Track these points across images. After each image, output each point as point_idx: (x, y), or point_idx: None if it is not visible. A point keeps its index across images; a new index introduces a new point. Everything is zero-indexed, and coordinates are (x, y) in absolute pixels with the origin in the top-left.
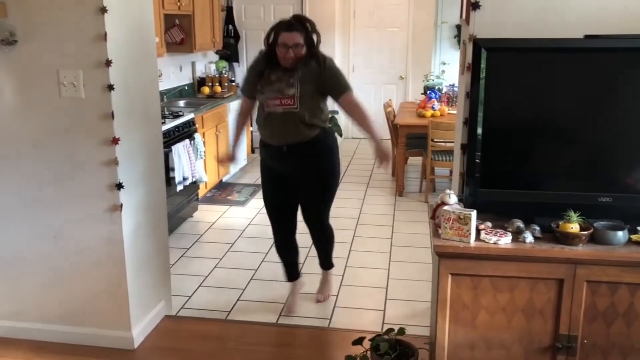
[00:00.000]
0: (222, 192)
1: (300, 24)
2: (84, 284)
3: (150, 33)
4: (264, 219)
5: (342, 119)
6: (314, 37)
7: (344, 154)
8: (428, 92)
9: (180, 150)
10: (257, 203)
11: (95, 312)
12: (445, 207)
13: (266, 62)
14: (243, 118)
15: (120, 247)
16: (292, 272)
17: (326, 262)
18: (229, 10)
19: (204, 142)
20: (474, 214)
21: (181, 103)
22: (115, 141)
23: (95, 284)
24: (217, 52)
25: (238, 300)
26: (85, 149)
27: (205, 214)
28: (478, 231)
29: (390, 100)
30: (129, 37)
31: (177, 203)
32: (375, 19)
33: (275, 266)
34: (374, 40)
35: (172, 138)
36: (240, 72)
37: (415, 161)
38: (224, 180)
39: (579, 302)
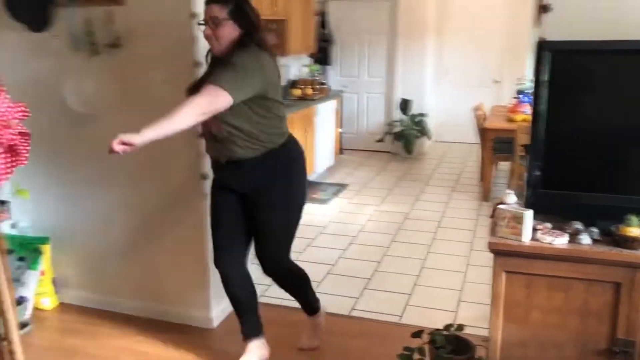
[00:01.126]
0: (309, 190)
1: None
2: (170, 266)
3: None
4: (344, 217)
5: (432, 120)
6: (251, 17)
7: (432, 157)
8: (520, 95)
9: None
10: (340, 202)
11: (178, 291)
12: (502, 206)
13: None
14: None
15: (203, 233)
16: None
17: (307, 306)
18: (323, 15)
19: None
20: (529, 213)
21: None
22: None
23: (180, 266)
24: (310, 56)
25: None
26: (174, 141)
27: None
28: (535, 231)
29: (480, 103)
30: None
31: None
32: (470, 21)
33: (350, 262)
34: (469, 43)
35: None
36: (334, 75)
37: (505, 166)
38: (309, 179)
39: (637, 306)
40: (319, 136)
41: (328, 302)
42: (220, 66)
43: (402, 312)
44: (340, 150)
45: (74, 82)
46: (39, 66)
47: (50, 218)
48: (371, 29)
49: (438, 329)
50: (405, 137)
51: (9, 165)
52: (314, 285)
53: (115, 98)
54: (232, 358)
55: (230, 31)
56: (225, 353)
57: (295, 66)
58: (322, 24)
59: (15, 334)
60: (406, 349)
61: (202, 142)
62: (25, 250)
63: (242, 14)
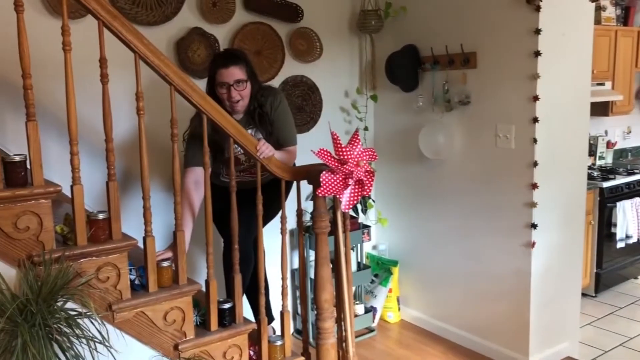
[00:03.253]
0: None
1: (235, 56)
2: (494, 305)
3: (585, 95)
4: None
5: None
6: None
7: None
8: None
9: (626, 207)
10: None
11: (499, 330)
12: None
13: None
14: (194, 195)
15: (527, 280)
16: None
17: None
18: None
19: None
20: None
21: None
22: (534, 186)
23: (502, 307)
24: None
25: None
26: (508, 190)
27: None
28: None
29: None
30: (559, 98)
31: (617, 260)
32: None
33: None
34: None
35: (619, 194)
36: None
37: None
38: None
39: None
40: None
41: None
42: (264, 121)
43: None
44: None
45: (428, 133)
46: (404, 119)
47: (400, 244)
48: None
49: None
50: None
51: (356, 194)
52: None
53: (460, 148)
54: None
55: (249, 88)
56: None
57: None
58: None
59: (351, 340)
60: None
61: (533, 194)
62: (380, 269)
63: (252, 70)
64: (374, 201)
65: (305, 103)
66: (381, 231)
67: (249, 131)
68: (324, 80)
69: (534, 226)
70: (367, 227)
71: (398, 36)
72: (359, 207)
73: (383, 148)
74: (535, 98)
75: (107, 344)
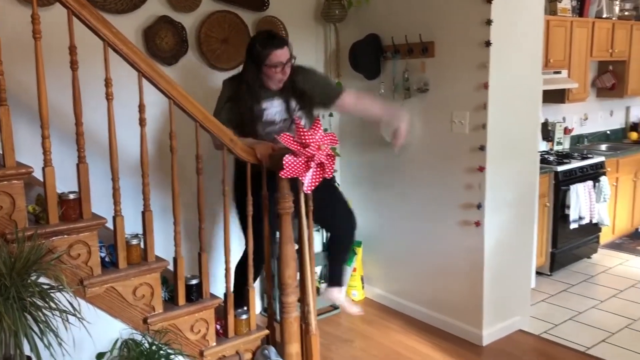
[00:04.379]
0: (635, 241)
1: (283, 39)
2: (449, 281)
3: (536, 83)
4: None
5: None
6: None
7: None
8: None
9: (579, 190)
10: None
11: (454, 305)
12: None
13: (246, 88)
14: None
15: (480, 257)
16: None
17: None
18: None
19: (614, 187)
20: None
21: (602, 147)
22: (480, 169)
23: (457, 283)
24: None
25: (603, 341)
26: (461, 172)
27: (605, 258)
28: None
29: None
30: (509, 86)
31: (571, 240)
32: None
33: None
34: None
35: (572, 177)
36: None
37: None
38: None
39: None
40: None
41: (615, 355)
42: (303, 91)
43: None
44: None
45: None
46: None
47: (364, 225)
48: None
49: None
50: None
51: (318, 176)
52: (604, 334)
53: (421, 132)
54: None
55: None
56: None
57: (636, 108)
58: None
59: (313, 314)
60: None
61: (482, 176)
62: None
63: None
64: (338, 185)
65: None
66: None
67: (276, 100)
68: None
69: (478, 206)
70: None
71: (361, 25)
72: None
73: (347, 134)
74: (486, 85)
75: (79, 315)
